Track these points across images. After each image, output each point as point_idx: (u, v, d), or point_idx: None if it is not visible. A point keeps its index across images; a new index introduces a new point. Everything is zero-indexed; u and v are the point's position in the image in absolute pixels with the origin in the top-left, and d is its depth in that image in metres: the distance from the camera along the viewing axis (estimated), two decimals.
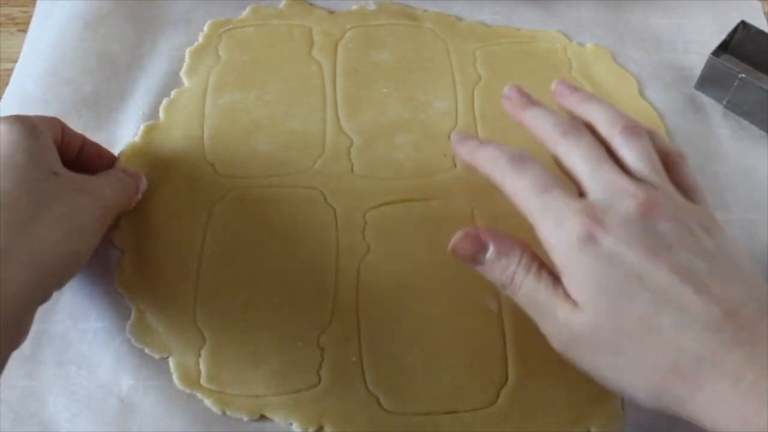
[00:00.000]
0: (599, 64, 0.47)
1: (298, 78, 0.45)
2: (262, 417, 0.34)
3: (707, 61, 0.44)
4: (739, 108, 0.44)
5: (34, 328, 0.35)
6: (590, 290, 0.28)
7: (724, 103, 0.45)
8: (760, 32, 0.45)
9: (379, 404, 0.34)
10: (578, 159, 0.32)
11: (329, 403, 0.34)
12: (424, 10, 0.49)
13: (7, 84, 0.45)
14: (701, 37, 0.48)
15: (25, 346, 0.34)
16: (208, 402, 0.34)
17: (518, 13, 0.49)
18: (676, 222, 0.29)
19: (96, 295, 0.36)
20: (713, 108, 0.45)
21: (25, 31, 0.47)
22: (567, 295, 0.29)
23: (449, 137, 0.42)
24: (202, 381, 0.34)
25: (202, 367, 0.34)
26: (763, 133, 0.44)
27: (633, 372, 0.28)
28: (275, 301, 0.36)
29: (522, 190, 0.31)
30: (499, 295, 0.37)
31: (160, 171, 0.40)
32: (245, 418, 0.33)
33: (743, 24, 0.45)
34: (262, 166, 0.41)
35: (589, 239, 0.28)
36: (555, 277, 0.30)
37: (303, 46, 0.46)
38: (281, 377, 0.34)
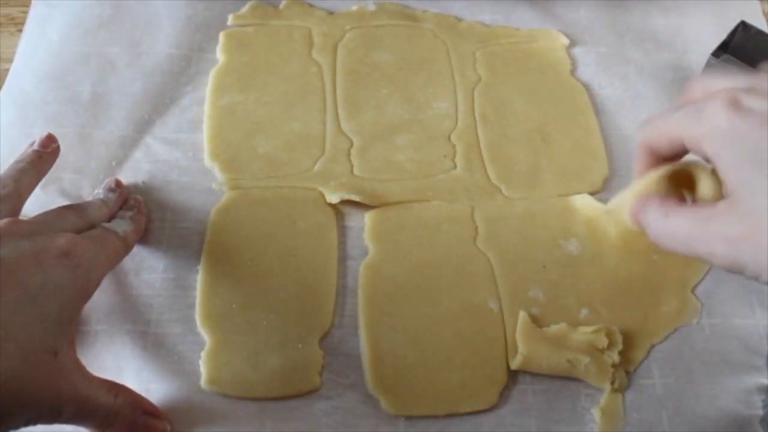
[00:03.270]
0: None
1: (298, 79, 0.45)
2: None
3: (707, 61, 0.44)
4: None
5: None
6: (744, 165, 0.25)
7: None
8: (760, 32, 0.45)
9: (380, 405, 0.34)
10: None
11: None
12: (424, 11, 0.49)
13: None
14: (701, 37, 0.48)
15: None
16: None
17: (518, 13, 0.49)
18: None
19: (96, 299, 0.36)
20: None
21: None
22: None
23: (449, 138, 0.43)
24: (203, 383, 0.34)
25: (203, 369, 0.34)
26: None
27: None
28: (276, 302, 0.36)
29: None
30: (499, 296, 0.37)
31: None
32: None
33: (743, 24, 0.45)
34: (262, 166, 0.41)
35: (734, 103, 0.26)
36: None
37: (303, 47, 0.46)
38: (282, 379, 0.34)
